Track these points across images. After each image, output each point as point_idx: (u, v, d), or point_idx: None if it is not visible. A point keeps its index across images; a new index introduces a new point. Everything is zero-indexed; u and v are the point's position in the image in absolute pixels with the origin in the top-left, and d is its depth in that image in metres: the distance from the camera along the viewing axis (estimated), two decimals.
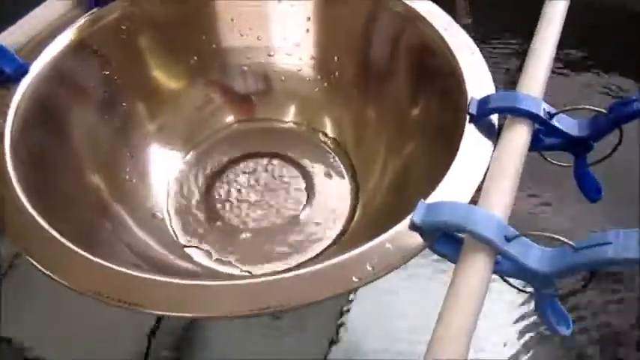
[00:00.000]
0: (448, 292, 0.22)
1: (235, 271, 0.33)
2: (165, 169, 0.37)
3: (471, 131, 0.27)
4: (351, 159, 0.37)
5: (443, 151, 0.28)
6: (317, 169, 0.37)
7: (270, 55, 0.39)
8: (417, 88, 0.33)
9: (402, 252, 0.23)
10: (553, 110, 0.27)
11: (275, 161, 0.38)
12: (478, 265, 0.22)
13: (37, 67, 0.32)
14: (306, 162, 0.37)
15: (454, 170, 0.26)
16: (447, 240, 0.24)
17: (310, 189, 0.36)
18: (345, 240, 0.34)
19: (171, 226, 0.35)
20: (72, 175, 0.32)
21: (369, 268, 0.23)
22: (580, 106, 0.27)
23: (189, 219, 0.36)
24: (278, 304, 0.22)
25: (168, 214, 0.36)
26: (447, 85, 0.30)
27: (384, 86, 0.35)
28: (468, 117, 0.28)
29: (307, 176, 0.37)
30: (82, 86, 0.34)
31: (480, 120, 0.28)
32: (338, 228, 0.35)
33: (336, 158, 0.37)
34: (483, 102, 0.28)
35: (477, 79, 0.29)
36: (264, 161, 0.38)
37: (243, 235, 0.35)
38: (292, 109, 0.39)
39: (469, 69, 0.29)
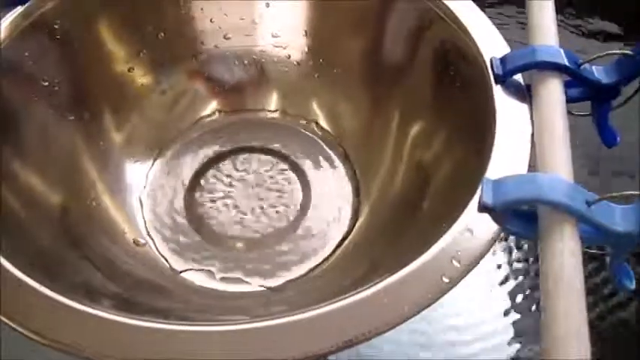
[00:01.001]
0: (543, 276, 0.20)
1: (248, 288, 0.29)
2: (135, 183, 0.32)
3: (501, 95, 0.25)
4: (344, 149, 0.33)
5: (473, 123, 0.26)
6: (308, 162, 0.33)
7: (226, 38, 0.35)
8: (431, 66, 0.29)
9: (481, 239, 0.21)
10: (579, 60, 0.26)
11: (259, 157, 0.33)
12: (566, 239, 0.20)
13: None
14: (294, 155, 0.33)
15: (499, 140, 0.24)
16: (518, 217, 0.22)
17: (305, 185, 0.32)
18: (356, 236, 0.31)
19: (159, 252, 0.30)
20: (26, 199, 0.26)
21: (456, 264, 0.20)
22: (606, 52, 0.25)
23: (177, 238, 0.31)
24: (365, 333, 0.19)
25: (151, 238, 0.31)
26: (461, 53, 0.27)
27: (385, 67, 0.32)
28: (492, 78, 0.26)
29: (299, 170, 0.33)
30: (18, 106, 0.28)
31: (507, 81, 0.26)
32: (344, 224, 0.31)
33: (327, 148, 0.34)
34: (504, 61, 0.26)
35: (489, 40, 0.27)
36: (248, 158, 0.33)
37: (242, 246, 0.31)
38: (268, 96, 0.35)
39: (478, 31, 0.27)
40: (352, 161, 0.33)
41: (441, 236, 0.21)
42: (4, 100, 0.27)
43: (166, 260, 0.30)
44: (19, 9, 0.27)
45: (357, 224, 0.31)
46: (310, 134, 0.34)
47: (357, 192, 0.32)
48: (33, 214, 0.26)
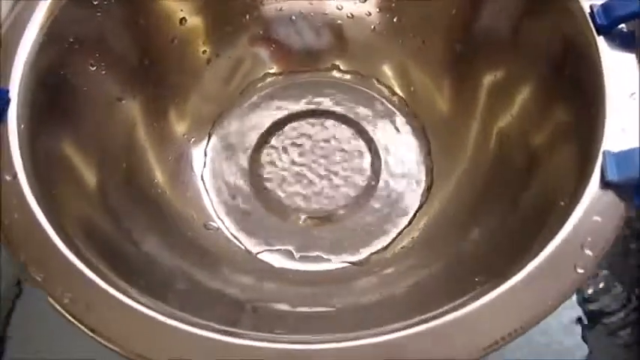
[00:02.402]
0: None
1: (330, 266, 0.28)
2: (195, 162, 0.30)
3: (606, 49, 0.23)
4: (414, 110, 0.31)
5: (576, 85, 0.23)
6: (373, 124, 0.31)
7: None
8: (526, 28, 0.26)
9: (611, 222, 0.19)
10: None
11: (321, 121, 0.31)
12: None
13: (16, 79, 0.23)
14: (358, 116, 0.31)
15: (611, 104, 0.21)
16: None
17: (373, 149, 0.30)
18: (435, 204, 0.29)
19: (232, 234, 0.29)
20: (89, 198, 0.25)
21: (588, 252, 0.19)
22: None
23: (248, 218, 0.29)
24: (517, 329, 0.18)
25: (221, 220, 0.29)
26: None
27: (470, 29, 0.29)
28: (594, 30, 0.23)
29: (365, 134, 0.31)
30: (70, 92, 0.25)
31: (611, 32, 0.23)
32: (419, 191, 0.29)
33: (399, 114, 0.31)
34: (607, 9, 0.23)
35: None
36: (309, 123, 0.31)
37: (317, 221, 0.29)
38: (324, 56, 0.32)
39: None
40: (423, 122, 0.31)
41: (565, 219, 0.19)
42: (59, 78, 0.25)
43: (241, 242, 0.29)
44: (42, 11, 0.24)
45: (434, 191, 0.29)
46: (374, 94, 0.32)
47: (429, 155, 0.30)
48: (87, 202, 0.25)
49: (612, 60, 0.22)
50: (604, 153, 0.20)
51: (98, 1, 0.26)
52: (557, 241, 0.19)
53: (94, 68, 0.26)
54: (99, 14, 0.26)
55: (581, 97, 0.23)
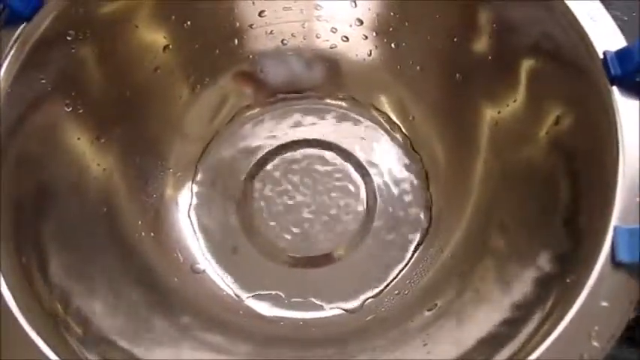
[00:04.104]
0: None
1: (323, 314, 0.27)
2: (181, 199, 0.29)
3: (622, 101, 0.21)
4: (414, 144, 0.29)
5: (586, 140, 0.21)
6: (373, 160, 0.29)
7: (261, 16, 0.29)
8: (529, 69, 0.24)
9: (620, 308, 0.18)
10: None
11: (312, 152, 0.29)
12: None
13: None
14: (350, 146, 0.29)
15: (627, 170, 0.20)
16: None
17: (368, 182, 0.29)
18: (433, 242, 0.27)
19: (220, 277, 0.27)
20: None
21: (595, 344, 0.18)
22: None
23: (236, 260, 0.28)
24: None
25: (208, 261, 0.28)
26: (565, 46, 0.22)
27: (462, 59, 0.27)
28: (609, 82, 0.21)
29: (362, 170, 0.29)
30: (42, 141, 0.24)
31: (627, 82, 0.21)
32: (417, 229, 0.28)
33: (395, 144, 0.29)
34: (624, 57, 0.21)
35: (602, 32, 0.22)
36: (300, 154, 0.29)
37: (310, 262, 0.28)
38: (313, 82, 0.30)
39: (589, 22, 0.22)
40: (421, 155, 0.29)
41: (571, 301, 0.18)
42: (30, 128, 0.23)
43: (229, 287, 0.27)
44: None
45: (434, 229, 0.28)
46: (371, 123, 0.30)
47: (427, 191, 0.29)
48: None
49: (628, 115, 0.21)
50: (615, 229, 0.19)
51: (72, 37, 0.24)
52: (562, 327, 0.18)
53: (70, 109, 0.24)
54: (73, 50, 0.24)
55: (592, 153, 0.21)
